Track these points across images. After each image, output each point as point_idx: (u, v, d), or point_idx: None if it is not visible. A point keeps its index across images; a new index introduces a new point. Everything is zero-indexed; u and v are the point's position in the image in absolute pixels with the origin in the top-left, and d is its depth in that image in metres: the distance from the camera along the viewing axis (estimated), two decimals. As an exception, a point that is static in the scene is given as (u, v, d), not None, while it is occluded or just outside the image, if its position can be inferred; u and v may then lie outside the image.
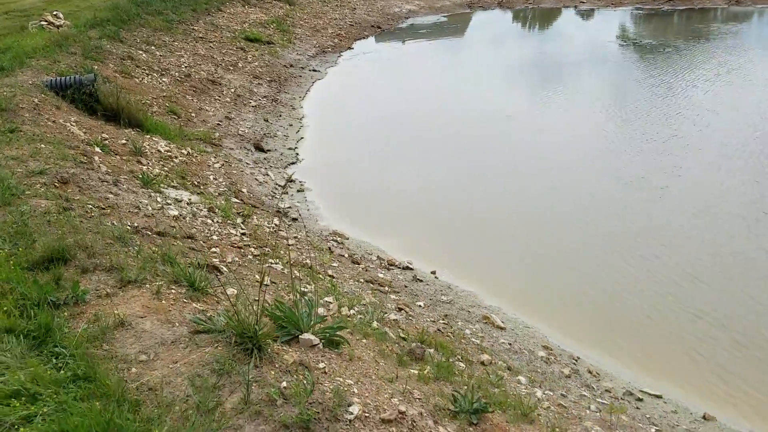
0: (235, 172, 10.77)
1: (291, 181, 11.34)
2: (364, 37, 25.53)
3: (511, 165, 12.28)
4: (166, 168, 9.49)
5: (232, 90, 16.02)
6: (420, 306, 6.88)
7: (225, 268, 5.63)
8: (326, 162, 12.72)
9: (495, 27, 28.51)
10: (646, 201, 10.41)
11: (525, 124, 14.57)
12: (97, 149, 8.91)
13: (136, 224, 6.10)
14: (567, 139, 13.52)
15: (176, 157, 10.06)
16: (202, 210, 7.66)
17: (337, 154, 13.36)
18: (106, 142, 9.47)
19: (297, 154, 12.90)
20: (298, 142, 13.67)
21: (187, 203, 7.81)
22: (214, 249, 6.34)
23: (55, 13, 16.92)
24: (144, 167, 9.09)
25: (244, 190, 10.10)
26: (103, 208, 6.22)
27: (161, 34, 18.17)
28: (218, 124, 13.35)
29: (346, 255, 8.21)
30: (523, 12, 30.30)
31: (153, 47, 16.92)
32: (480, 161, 12.61)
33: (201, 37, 19.44)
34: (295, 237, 8.27)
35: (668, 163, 11.83)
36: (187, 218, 7.04)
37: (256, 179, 10.85)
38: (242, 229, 7.57)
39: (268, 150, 12.81)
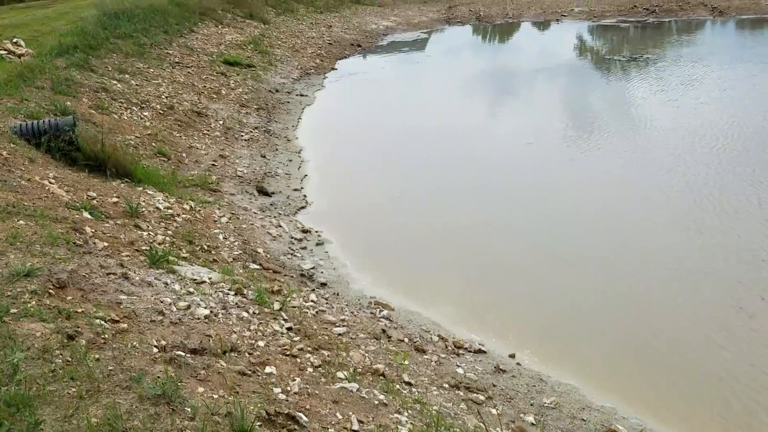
0: (245, 226, 9.04)
1: (306, 231, 9.66)
2: (345, 56, 23.96)
3: (547, 201, 10.81)
4: (169, 231, 7.74)
5: (220, 122, 14.24)
6: (532, 424, 5.28)
7: (303, 416, 3.96)
8: (338, 204, 11.08)
9: (472, 42, 27.26)
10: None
11: (549, 153, 13.14)
12: (86, 214, 7.11)
13: (163, 342, 4.40)
14: (598, 170, 12.15)
15: (178, 215, 8.31)
16: (229, 295, 5.96)
17: (348, 192, 11.74)
18: (95, 202, 7.67)
19: (305, 196, 11.22)
20: (302, 180, 11.99)
21: (209, 284, 6.10)
22: (268, 368, 4.66)
23: (15, 40, 14.91)
24: (144, 233, 7.33)
25: (260, 250, 8.40)
26: (118, 321, 4.49)
27: (134, 60, 16.30)
28: (213, 164, 11.58)
29: (406, 340, 6.58)
30: (493, 27, 29.11)
31: (127, 75, 15.06)
32: (507, 195, 11.14)
33: (177, 62, 17.60)
34: (343, 320, 6.60)
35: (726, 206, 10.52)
36: (220, 316, 5.34)
37: (268, 233, 9.15)
38: (284, 320, 5.89)
39: (273, 193, 11.10)
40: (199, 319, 5.13)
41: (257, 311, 5.85)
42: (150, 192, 8.86)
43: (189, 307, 5.26)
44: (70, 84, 12.54)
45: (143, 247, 6.71)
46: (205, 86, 16.50)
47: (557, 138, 13.84)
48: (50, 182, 7.69)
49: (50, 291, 4.57)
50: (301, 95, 18.29)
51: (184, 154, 11.59)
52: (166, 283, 5.74)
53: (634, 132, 13.94)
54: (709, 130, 13.47)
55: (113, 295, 4.96)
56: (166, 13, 21.21)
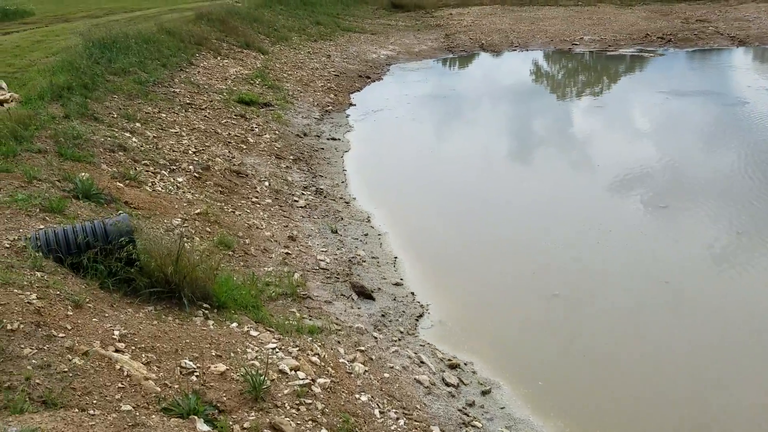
0: (387, 375, 5.95)
1: (454, 367, 6.60)
2: (357, 89, 20.90)
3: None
4: (318, 422, 4.56)
5: (266, 183, 11.01)
6: None
7: None
8: (462, 304, 8.08)
9: (489, 68, 24.61)
10: None
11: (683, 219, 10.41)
12: (202, 426, 3.89)
13: None
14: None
15: (313, 382, 5.12)
16: None
17: (457, 280, 8.78)
18: (195, 379, 4.49)
19: (412, 293, 8.17)
20: (395, 266, 8.94)
21: None
22: None
23: (-5, 81, 11.36)
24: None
25: (434, 428, 5.29)
26: None
27: (140, 103, 12.95)
28: (285, 252, 8.38)
29: None
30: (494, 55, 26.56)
31: (138, 124, 11.71)
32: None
33: (189, 103, 14.27)
34: None
35: None
36: None
37: (418, 381, 6.05)
38: None
39: (372, 291, 7.97)
40: None
41: None
42: (253, 332, 5.64)
43: None
44: (79, 143, 9.15)
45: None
46: (229, 134, 13.20)
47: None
48: (119, 350, 4.43)
49: None
50: (333, 139, 15.16)
51: (247, 240, 8.34)
52: None
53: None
54: None
55: None
56: (158, 43, 17.79)
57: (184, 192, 9.24)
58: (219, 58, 19.62)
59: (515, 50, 26.90)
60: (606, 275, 8.57)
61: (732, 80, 19.97)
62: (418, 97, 19.75)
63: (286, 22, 28.23)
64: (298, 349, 5.53)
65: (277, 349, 5.41)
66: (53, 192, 6.91)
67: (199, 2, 32.76)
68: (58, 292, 4.87)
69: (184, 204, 8.66)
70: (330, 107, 18.17)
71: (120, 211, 5.79)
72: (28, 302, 4.54)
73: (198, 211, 8.48)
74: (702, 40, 25.25)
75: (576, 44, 26.46)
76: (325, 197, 11.29)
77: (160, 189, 8.99)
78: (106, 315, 4.92)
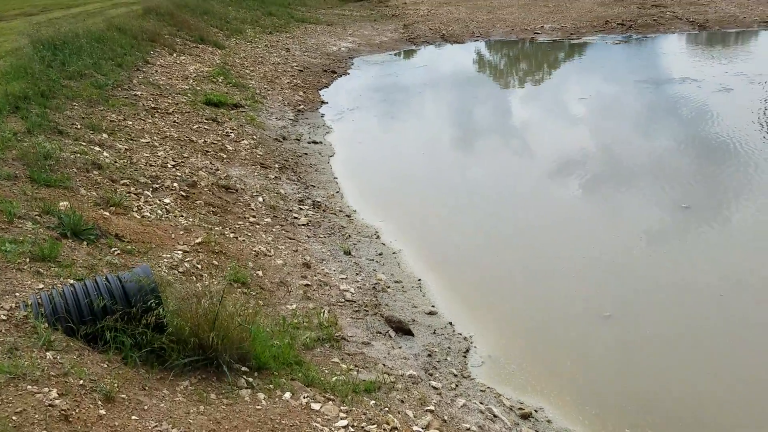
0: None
1: (527, 416, 5.74)
2: (325, 86, 19.78)
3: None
4: None
5: (259, 199, 9.87)
6: None
7: None
8: (507, 331, 7.23)
9: (461, 64, 23.79)
10: None
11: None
12: None
13: None
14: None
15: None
16: None
17: (496, 302, 7.90)
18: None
19: (450, 324, 7.27)
20: (421, 289, 8.03)
21: None
22: None
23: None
24: None
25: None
26: None
27: (103, 110, 11.60)
28: (305, 284, 7.32)
29: None
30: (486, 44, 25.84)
31: (105, 135, 10.41)
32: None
33: (153, 108, 12.92)
34: None
35: None
36: None
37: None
38: None
39: (409, 323, 7.05)
40: None
41: None
42: (313, 405, 4.61)
43: None
44: (50, 164, 7.84)
45: None
46: (205, 141, 11.95)
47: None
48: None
49: None
50: (314, 142, 14.05)
51: (259, 272, 7.24)
52: None
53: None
54: None
55: None
56: (110, 42, 16.25)
57: (175, 216, 8.04)
58: (175, 55, 18.14)
59: (477, 40, 26.18)
60: (656, 291, 7.84)
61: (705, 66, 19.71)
62: (391, 92, 18.76)
63: (238, 14, 26.73)
64: (373, 424, 4.54)
65: (350, 427, 4.40)
66: (40, 233, 5.67)
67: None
68: (80, 381, 3.74)
69: (181, 232, 7.48)
70: (302, 106, 17.00)
71: (142, 267, 4.64)
72: (49, 404, 3.42)
73: (199, 240, 7.32)
74: (663, 25, 25.10)
75: (538, 33, 25.94)
76: (324, 211, 10.22)
77: (148, 214, 7.77)
78: (145, 407, 3.82)
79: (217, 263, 6.98)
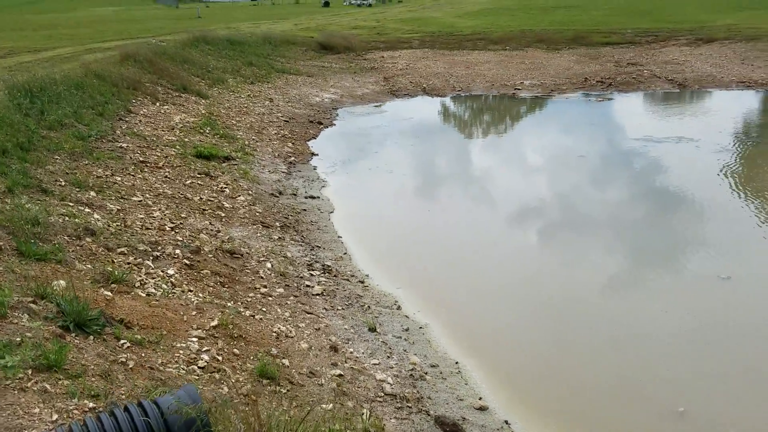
0: None
1: None
2: (312, 137, 18.91)
3: None
4: None
5: (267, 265, 8.80)
6: None
7: None
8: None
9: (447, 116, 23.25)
10: None
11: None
12: None
13: None
14: None
15: None
16: None
17: (552, 391, 6.89)
18: None
19: (507, 424, 6.24)
20: (462, 377, 7.01)
21: None
22: None
23: None
24: None
25: None
26: None
27: (87, 164, 10.56)
28: (338, 374, 6.27)
29: None
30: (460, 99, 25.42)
31: (93, 192, 9.33)
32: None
33: (142, 162, 11.86)
34: None
35: None
36: None
37: None
38: None
39: (459, 422, 6.01)
40: None
41: None
42: None
43: None
44: (38, 232, 6.69)
45: None
46: (201, 198, 10.89)
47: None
48: None
49: None
50: (311, 197, 13.08)
51: (285, 361, 6.16)
52: None
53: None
54: None
55: None
56: (89, 89, 15.17)
57: (182, 291, 6.93)
58: (158, 104, 17.10)
59: (459, 94, 25.78)
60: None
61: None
62: (382, 144, 18.00)
63: (218, 63, 25.85)
64: None
65: None
66: (40, 329, 4.52)
67: (109, 41, 29.67)
68: None
69: (192, 312, 6.37)
70: (293, 158, 16.06)
71: (187, 383, 3.54)
72: None
73: (215, 322, 6.22)
74: (642, 83, 25.12)
75: (518, 89, 25.69)
76: (335, 276, 9.20)
77: (153, 290, 6.64)
78: None
79: (238, 352, 5.88)
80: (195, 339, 5.80)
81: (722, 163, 14.75)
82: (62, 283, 5.73)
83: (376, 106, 24.13)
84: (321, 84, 26.91)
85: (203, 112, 17.93)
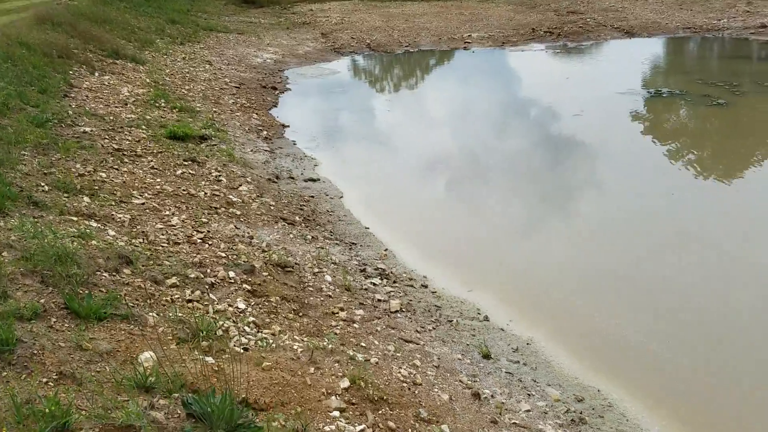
0: None
1: None
2: (273, 105, 17.06)
3: None
4: None
5: (327, 279, 7.28)
6: None
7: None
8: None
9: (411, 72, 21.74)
10: None
11: None
12: None
13: None
14: None
15: None
16: None
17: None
18: None
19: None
20: (623, 413, 5.84)
21: None
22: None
23: None
24: None
25: None
26: None
27: (61, 158, 8.51)
28: None
29: None
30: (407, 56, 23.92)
31: (87, 198, 7.47)
32: None
33: (117, 150, 9.91)
34: None
35: None
36: None
37: None
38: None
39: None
40: None
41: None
42: None
43: None
44: (76, 274, 4.92)
45: None
46: (205, 194, 9.07)
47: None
48: None
49: None
50: (311, 180, 11.49)
51: (444, 428, 4.82)
52: None
53: None
54: None
55: None
56: (19, 60, 12.63)
57: (274, 335, 5.37)
58: (97, 74, 14.63)
59: (408, 50, 24.29)
60: None
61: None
62: (354, 112, 16.41)
63: (139, 23, 22.91)
64: None
65: None
66: None
67: (6, 2, 25.71)
68: None
69: (310, 369, 4.84)
70: (265, 132, 14.21)
71: None
72: None
73: (345, 383, 4.75)
74: (591, 32, 24.62)
75: (469, 42, 24.53)
76: (394, 282, 7.82)
77: (244, 340, 5.06)
78: None
79: (393, 425, 4.48)
80: (336, 413, 4.36)
81: None
82: (150, 356, 4.09)
83: (325, 65, 22.24)
84: (256, 42, 24.57)
85: (147, 81, 15.55)
